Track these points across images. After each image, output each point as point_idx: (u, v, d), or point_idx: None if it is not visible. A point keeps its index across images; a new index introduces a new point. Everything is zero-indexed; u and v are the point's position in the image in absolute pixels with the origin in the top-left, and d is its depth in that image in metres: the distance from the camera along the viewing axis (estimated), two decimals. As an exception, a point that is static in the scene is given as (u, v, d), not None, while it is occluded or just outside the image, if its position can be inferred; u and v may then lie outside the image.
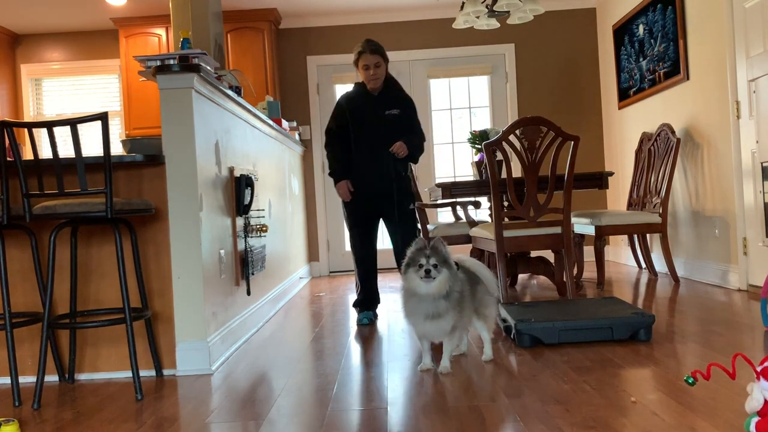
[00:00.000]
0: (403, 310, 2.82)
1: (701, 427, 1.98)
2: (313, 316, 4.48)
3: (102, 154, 2.73)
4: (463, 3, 4.93)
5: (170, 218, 3.09)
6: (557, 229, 4.21)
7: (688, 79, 5.05)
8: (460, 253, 3.17)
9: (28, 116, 7.02)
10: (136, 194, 3.13)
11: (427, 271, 2.67)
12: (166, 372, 3.10)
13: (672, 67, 5.28)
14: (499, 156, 4.36)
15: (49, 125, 2.65)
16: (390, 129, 4.09)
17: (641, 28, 5.84)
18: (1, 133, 2.71)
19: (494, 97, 7.08)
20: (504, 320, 3.41)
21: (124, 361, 3.11)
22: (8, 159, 2.79)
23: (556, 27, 6.99)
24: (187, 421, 2.36)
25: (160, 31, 6.62)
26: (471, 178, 6.23)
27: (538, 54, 7.01)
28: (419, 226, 5.18)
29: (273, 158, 5.15)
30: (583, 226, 5.12)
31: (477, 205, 4.80)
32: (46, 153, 6.15)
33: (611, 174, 4.80)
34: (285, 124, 5.76)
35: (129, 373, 3.07)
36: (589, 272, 5.65)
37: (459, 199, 4.80)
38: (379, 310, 4.47)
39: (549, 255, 5.51)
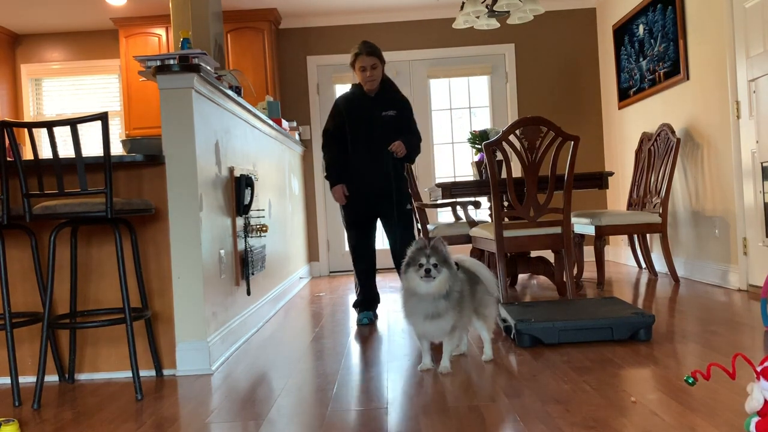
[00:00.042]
0: (403, 309, 2.82)
1: (701, 427, 1.98)
2: (313, 316, 4.48)
3: (102, 154, 2.73)
4: (463, 3, 4.93)
5: (170, 218, 3.09)
6: (557, 229, 4.21)
7: (688, 79, 5.05)
8: (460, 253, 3.17)
9: (28, 116, 7.02)
10: (136, 194, 3.13)
11: (427, 271, 2.67)
12: (166, 372, 3.10)
13: (672, 67, 5.28)
14: (499, 156, 4.36)
15: (49, 125, 2.65)
16: (387, 130, 4.10)
17: (641, 28, 5.84)
18: (1, 133, 2.71)
19: (494, 97, 7.08)
20: (504, 320, 3.41)
21: (124, 361, 3.11)
22: (8, 159, 2.79)
23: (556, 27, 6.99)
24: (187, 421, 2.36)
25: (160, 31, 6.62)
26: (471, 178, 6.23)
27: (538, 54, 7.01)
28: (419, 226, 5.18)
29: (273, 158, 5.15)
30: (583, 226, 5.12)
31: (477, 205, 4.80)
32: (46, 153, 6.16)
33: (611, 174, 4.80)
34: (285, 124, 5.76)
35: (129, 373, 3.07)
36: (589, 272, 5.65)
37: (459, 199, 4.80)
38: (379, 310, 4.48)
39: (549, 255, 5.52)
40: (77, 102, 7.08)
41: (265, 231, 4.23)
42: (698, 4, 4.85)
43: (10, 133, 2.73)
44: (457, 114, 7.18)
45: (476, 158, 5.17)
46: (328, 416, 2.31)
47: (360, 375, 2.85)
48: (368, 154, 4.12)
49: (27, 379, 3.07)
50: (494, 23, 5.08)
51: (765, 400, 1.76)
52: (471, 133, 5.08)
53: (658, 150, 5.25)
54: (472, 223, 4.86)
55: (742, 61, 4.31)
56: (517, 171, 5.38)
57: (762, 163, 4.15)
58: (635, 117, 6.11)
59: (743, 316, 3.61)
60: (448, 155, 7.15)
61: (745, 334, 3.17)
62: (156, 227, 3.14)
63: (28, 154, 5.17)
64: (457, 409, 2.29)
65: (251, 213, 4.11)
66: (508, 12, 4.91)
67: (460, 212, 5.15)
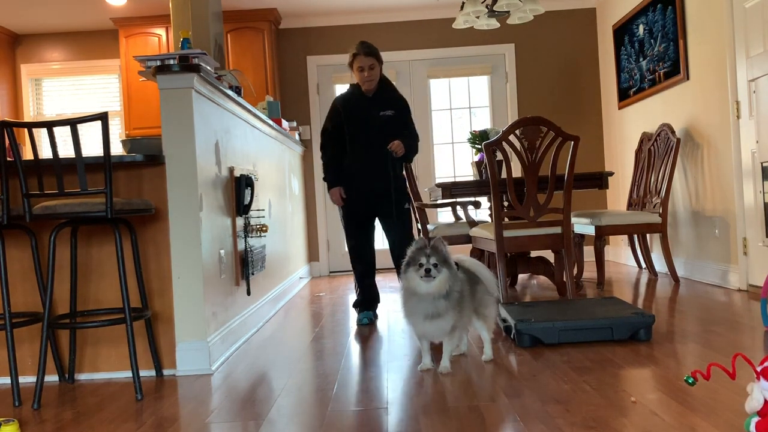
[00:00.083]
0: (403, 309, 2.82)
1: (701, 427, 1.98)
2: (313, 316, 4.48)
3: (102, 154, 2.73)
4: (463, 3, 4.93)
5: (170, 218, 3.09)
6: (557, 229, 4.21)
7: (688, 79, 5.05)
8: (460, 253, 3.17)
9: (28, 116, 7.02)
10: (136, 194, 3.13)
11: (428, 271, 2.67)
12: (166, 372, 3.10)
13: (672, 67, 5.28)
14: (499, 156, 4.37)
15: (49, 125, 2.65)
16: (385, 130, 4.11)
17: (641, 28, 5.84)
18: (1, 133, 2.71)
19: (494, 97, 7.08)
20: (504, 320, 3.41)
21: (124, 361, 3.11)
22: (8, 159, 2.79)
23: (556, 27, 6.99)
24: (187, 421, 2.36)
25: (160, 31, 6.62)
26: (471, 178, 6.23)
27: (538, 54, 7.01)
28: (419, 226, 5.18)
29: (273, 158, 5.15)
30: (583, 226, 5.12)
31: (477, 205, 4.80)
32: (46, 153, 6.16)
33: (611, 174, 4.80)
34: (285, 124, 5.77)
35: (129, 373, 3.07)
36: (589, 272, 5.65)
37: (459, 199, 4.80)
38: (379, 310, 4.48)
39: (549, 255, 5.52)
40: (77, 102, 7.08)
41: (265, 231, 4.23)
42: (698, 4, 4.85)
43: (10, 133, 2.73)
44: (457, 114, 7.18)
45: (476, 158, 5.17)
46: (328, 416, 2.31)
47: (360, 375, 2.85)
48: (367, 154, 4.13)
49: (27, 379, 3.07)
50: (494, 23, 5.08)
51: (765, 400, 1.76)
52: (471, 133, 5.08)
53: (658, 150, 5.25)
54: (472, 223, 4.86)
55: (742, 61, 4.31)
56: (517, 171, 5.38)
57: (762, 163, 4.15)
58: (635, 117, 6.11)
59: (743, 316, 3.61)
60: (448, 155, 7.15)
61: (745, 334, 3.17)
62: (156, 227, 3.14)
63: (28, 154, 5.17)
64: (457, 409, 2.29)
65: (251, 213, 4.11)
66: (508, 12, 4.91)
67: (460, 212, 5.15)
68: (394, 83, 6.98)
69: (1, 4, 6.15)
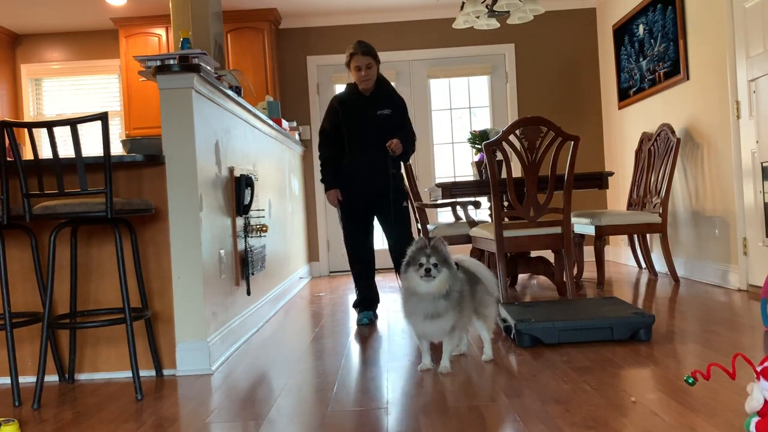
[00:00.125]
0: (403, 309, 2.83)
1: (701, 427, 1.98)
2: (313, 316, 4.48)
3: (102, 154, 2.73)
4: (463, 3, 4.93)
5: (170, 218, 3.09)
6: (557, 229, 4.21)
7: (688, 79, 5.05)
8: (460, 253, 3.17)
9: (28, 116, 7.02)
10: (136, 194, 3.13)
11: (428, 270, 2.67)
12: (166, 372, 3.10)
13: (672, 67, 5.28)
14: (499, 156, 4.37)
15: (49, 125, 2.65)
16: (382, 129, 4.11)
17: (641, 28, 5.84)
18: (1, 133, 2.71)
19: (494, 97, 7.08)
20: (504, 320, 3.41)
21: (124, 361, 3.11)
22: (8, 159, 2.79)
23: (556, 27, 6.99)
24: (187, 421, 2.36)
25: (160, 31, 6.62)
26: (471, 178, 6.23)
27: (538, 54, 7.01)
28: (419, 226, 5.18)
29: (273, 158, 5.15)
30: (583, 226, 5.12)
31: (477, 205, 4.80)
32: (46, 153, 6.16)
33: (611, 174, 4.80)
34: (285, 124, 5.77)
35: (129, 373, 3.07)
36: (589, 272, 5.65)
37: (459, 199, 4.80)
38: (379, 310, 4.47)
39: (549, 255, 5.52)
40: (77, 102, 7.08)
41: (265, 231, 4.23)
42: (698, 4, 4.85)
43: (10, 133, 2.73)
44: (457, 114, 7.18)
45: (476, 158, 5.17)
46: (328, 416, 2.31)
47: (360, 375, 2.85)
48: (365, 154, 4.14)
49: (27, 379, 3.07)
50: (494, 23, 5.08)
51: (765, 400, 1.76)
52: (471, 133, 5.08)
53: (658, 150, 5.25)
54: (472, 223, 4.86)
55: (742, 61, 4.31)
56: (517, 171, 5.38)
57: (762, 163, 4.15)
58: (635, 117, 6.11)
59: (743, 316, 3.61)
60: (448, 155, 7.15)
61: (745, 334, 3.17)
62: (156, 227, 3.14)
63: (28, 154, 5.17)
64: (457, 409, 2.29)
65: (251, 213, 4.11)
66: (508, 12, 4.91)
67: (460, 212, 5.15)
68: (393, 83, 7.01)
69: (1, 4, 6.15)
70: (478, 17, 5.00)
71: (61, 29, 6.96)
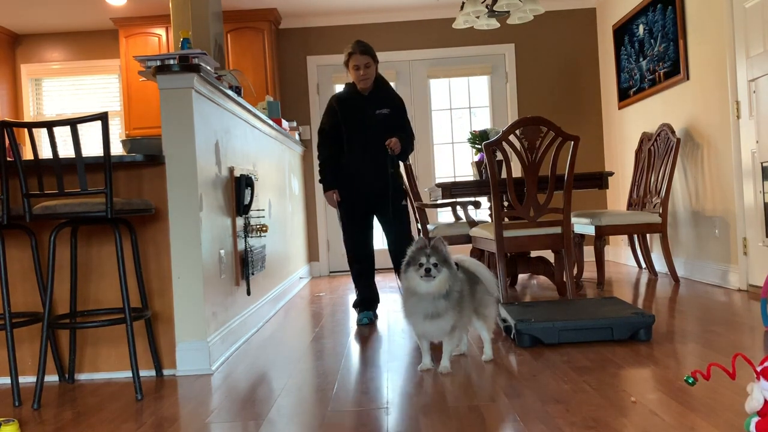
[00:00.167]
0: (403, 309, 2.83)
1: (701, 427, 1.98)
2: (313, 316, 4.48)
3: (102, 154, 2.74)
4: (463, 3, 4.93)
5: (170, 218, 3.09)
6: (557, 229, 4.21)
7: (688, 79, 5.05)
8: (460, 253, 3.17)
9: (28, 116, 7.02)
10: (136, 194, 3.13)
11: (428, 270, 2.67)
12: (166, 372, 3.10)
13: (672, 67, 5.28)
14: (499, 156, 4.37)
15: (49, 125, 2.65)
16: (381, 128, 4.11)
17: (641, 28, 5.84)
18: (1, 133, 2.71)
19: (494, 97, 7.08)
20: (504, 320, 3.41)
21: (124, 361, 3.11)
22: (8, 159, 2.79)
23: (556, 27, 6.99)
24: (187, 421, 2.36)
25: (160, 31, 6.62)
26: (471, 178, 6.23)
27: (538, 54, 7.01)
28: (419, 226, 5.18)
29: (273, 158, 5.15)
30: (583, 226, 5.12)
31: (477, 205, 4.80)
32: (46, 153, 6.16)
33: (611, 174, 4.80)
34: (285, 124, 5.77)
35: (129, 373, 3.07)
36: (589, 272, 5.65)
37: (459, 199, 4.80)
38: (379, 310, 4.47)
39: (549, 255, 5.52)
40: (77, 102, 7.08)
41: (265, 231, 4.23)
42: (698, 4, 4.85)
43: (10, 133, 2.73)
44: (457, 114, 7.18)
45: (476, 158, 5.17)
46: (328, 416, 2.31)
47: (360, 375, 2.85)
48: (364, 154, 4.14)
49: (27, 379, 3.07)
50: (494, 23, 5.08)
51: (765, 400, 1.76)
52: (471, 133, 5.08)
53: (658, 150, 5.25)
54: (472, 223, 4.86)
55: (742, 61, 4.31)
56: (517, 171, 5.37)
57: (762, 163, 4.15)
58: (635, 117, 6.11)
59: (743, 316, 3.61)
60: (448, 155, 7.15)
61: (745, 334, 3.17)
62: (156, 227, 3.14)
63: (28, 154, 5.17)
64: (457, 409, 2.29)
65: (251, 213, 4.11)
66: (508, 12, 4.91)
67: (460, 212, 5.15)
68: (393, 83, 7.01)
69: (1, 4, 6.15)
70: (478, 17, 5.00)
71: (61, 29, 6.96)
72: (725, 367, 1.85)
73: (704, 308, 3.88)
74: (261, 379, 2.90)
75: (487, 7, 4.89)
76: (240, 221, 3.89)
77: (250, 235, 4.04)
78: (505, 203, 4.60)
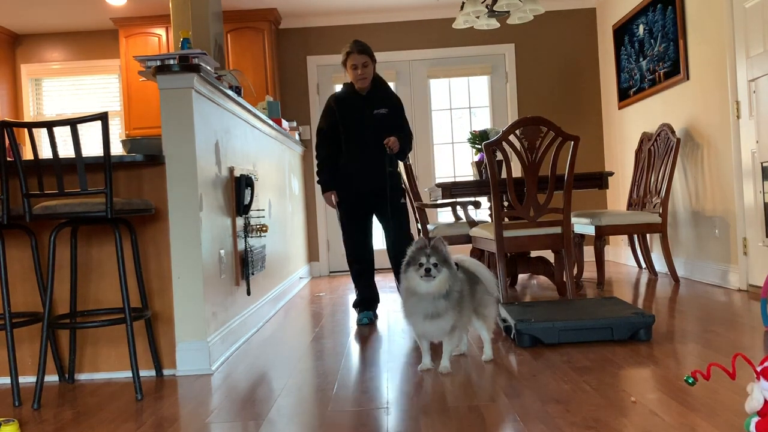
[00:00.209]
0: (403, 309, 2.83)
1: (701, 427, 1.98)
2: (313, 316, 4.48)
3: (102, 154, 2.74)
4: (463, 3, 4.93)
5: (170, 218, 3.09)
6: (557, 229, 4.21)
7: (688, 79, 5.05)
8: (460, 253, 3.17)
9: (28, 116, 7.02)
10: (136, 194, 3.13)
11: (428, 270, 2.67)
12: (166, 372, 3.10)
13: (672, 67, 5.28)
14: (499, 156, 4.37)
15: (49, 125, 2.65)
16: (379, 128, 4.12)
17: (641, 28, 5.84)
18: (1, 133, 2.71)
19: (494, 97, 7.08)
20: (504, 320, 3.41)
21: (124, 361, 3.11)
22: (8, 159, 2.79)
23: (556, 27, 6.99)
24: (187, 421, 2.36)
25: (160, 31, 6.62)
26: (471, 178, 6.23)
27: (538, 54, 7.01)
28: (419, 226, 5.18)
29: (273, 158, 5.15)
30: (583, 226, 5.12)
31: (477, 205, 4.80)
32: (46, 153, 6.16)
33: (611, 174, 4.80)
34: (285, 124, 5.77)
35: (129, 373, 3.07)
36: (589, 272, 5.65)
37: (459, 199, 4.80)
38: (379, 310, 4.47)
39: (549, 255, 5.52)
40: (77, 102, 7.08)
41: (265, 231, 4.23)
42: (698, 4, 4.85)
43: (10, 133, 2.73)
44: (457, 114, 7.18)
45: (476, 158, 5.17)
46: (328, 416, 2.31)
47: (360, 375, 2.85)
48: (362, 153, 4.14)
49: (27, 379, 3.07)
50: (494, 23, 5.08)
51: (765, 400, 1.76)
52: (471, 133, 5.08)
53: (658, 150, 5.25)
54: (472, 223, 4.86)
55: (742, 61, 4.31)
56: (517, 171, 5.38)
57: (762, 163, 4.15)
58: (635, 117, 6.11)
59: (743, 316, 3.61)
60: (448, 155, 7.15)
61: (745, 334, 3.17)
62: (156, 227, 3.14)
63: (28, 154, 5.17)
64: (457, 409, 2.29)
65: (251, 213, 4.11)
66: (508, 12, 4.91)
67: (460, 212, 5.15)
68: (393, 83, 7.02)
69: (1, 4, 6.15)
70: (478, 17, 5.00)
71: (61, 29, 6.96)
72: (725, 367, 1.85)
73: (704, 308, 3.88)
74: (261, 379, 2.90)
75: (487, 7, 4.89)
76: (240, 221, 3.89)
77: (250, 235, 4.04)
78: (505, 203, 4.60)
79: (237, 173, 3.84)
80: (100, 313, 3.06)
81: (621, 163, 6.52)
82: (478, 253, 4.89)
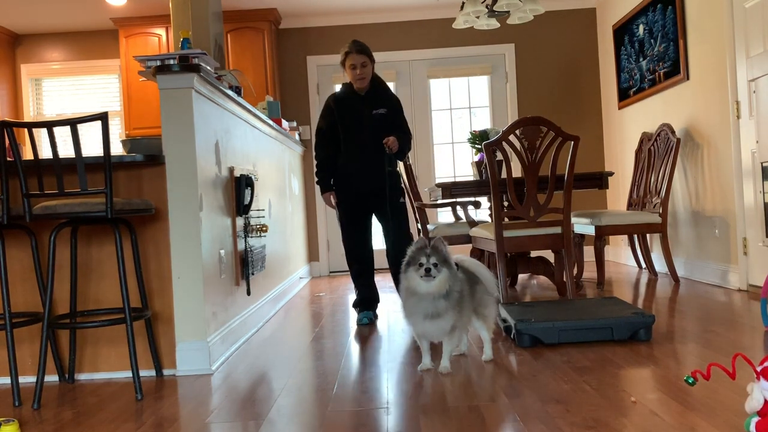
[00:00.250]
0: (403, 309, 2.83)
1: (701, 427, 1.98)
2: (313, 316, 4.48)
3: (102, 154, 2.74)
4: (463, 3, 4.93)
5: (170, 218, 3.09)
6: (557, 229, 4.21)
7: (688, 79, 5.05)
8: (460, 253, 3.17)
9: (28, 116, 7.02)
10: (136, 194, 3.13)
11: (428, 270, 2.67)
12: (166, 372, 3.10)
13: (672, 67, 5.28)
14: (499, 156, 4.37)
15: (49, 125, 2.65)
16: (378, 128, 4.12)
17: (641, 28, 5.84)
18: (1, 133, 2.71)
19: (494, 97, 7.08)
20: (504, 320, 3.41)
21: (124, 361, 3.11)
22: (8, 159, 2.79)
23: (556, 27, 6.99)
24: (187, 421, 2.36)
25: (160, 31, 6.63)
26: (471, 178, 6.23)
27: (538, 54, 7.01)
28: (419, 226, 5.18)
29: (273, 158, 5.15)
30: (583, 226, 5.12)
31: (477, 205, 4.81)
32: (46, 153, 6.16)
33: (611, 174, 4.80)
34: (285, 124, 5.77)
35: (129, 373, 3.07)
36: (589, 272, 5.65)
37: (459, 199, 4.80)
38: (379, 310, 4.48)
39: (549, 255, 5.52)
40: (77, 102, 7.08)
41: (265, 231, 4.23)
42: (698, 4, 4.85)
43: (10, 133, 2.73)
44: (457, 114, 7.18)
45: (476, 158, 5.17)
46: (328, 416, 2.31)
47: (360, 375, 2.85)
48: (361, 154, 4.14)
49: (27, 379, 3.07)
50: (494, 23, 5.08)
51: (765, 400, 1.76)
52: (471, 133, 5.08)
53: (658, 150, 5.25)
54: (472, 223, 4.86)
55: (742, 61, 4.31)
56: (517, 171, 5.37)
57: (762, 163, 4.15)
58: (635, 117, 6.11)
59: (743, 316, 3.61)
60: (448, 155, 7.15)
61: (745, 334, 3.17)
62: (156, 227, 3.14)
63: (28, 154, 5.17)
64: (457, 409, 2.29)
65: (251, 213, 4.11)
66: (508, 12, 4.91)
67: (460, 212, 5.15)
68: (393, 83, 7.02)
69: (1, 4, 6.15)
70: (478, 17, 5.00)
71: (61, 29, 6.96)
72: (725, 367, 1.85)
73: (704, 308, 3.88)
74: (261, 379, 2.90)
75: (487, 7, 4.89)
76: (240, 221, 3.89)
77: (250, 235, 4.04)
78: (505, 203, 4.60)
79: (237, 173, 3.84)
80: (100, 313, 3.06)
81: (621, 163, 6.52)
82: (478, 253, 4.89)
